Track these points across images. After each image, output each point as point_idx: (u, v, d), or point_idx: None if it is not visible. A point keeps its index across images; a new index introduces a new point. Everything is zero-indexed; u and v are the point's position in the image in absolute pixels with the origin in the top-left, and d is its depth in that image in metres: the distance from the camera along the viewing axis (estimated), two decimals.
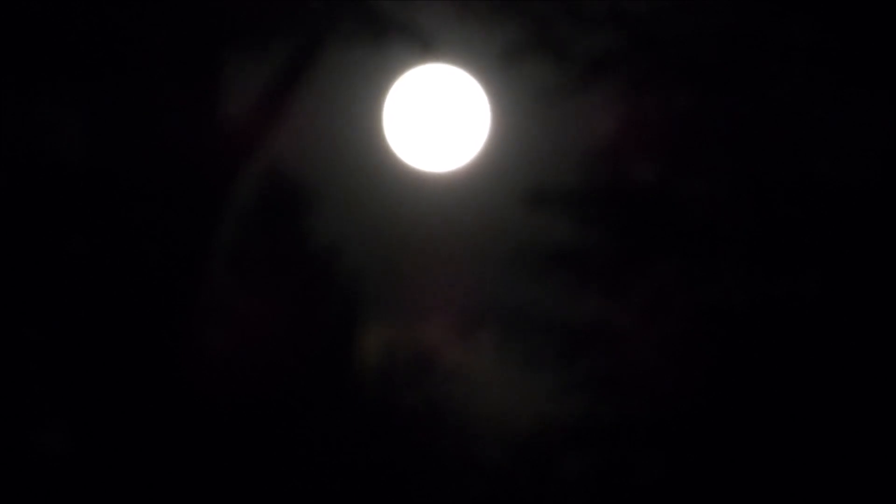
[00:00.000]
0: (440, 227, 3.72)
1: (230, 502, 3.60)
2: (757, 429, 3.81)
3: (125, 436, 3.78)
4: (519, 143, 3.67)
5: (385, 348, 3.80)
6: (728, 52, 4.11)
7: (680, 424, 3.79)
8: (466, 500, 3.69)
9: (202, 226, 4.13)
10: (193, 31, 4.01)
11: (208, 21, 4.05)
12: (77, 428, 3.92)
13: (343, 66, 4.03)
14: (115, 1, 3.80)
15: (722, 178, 4.10)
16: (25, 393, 3.84)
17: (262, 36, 4.18)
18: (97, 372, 3.85)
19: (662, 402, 3.85)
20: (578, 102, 3.99)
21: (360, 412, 3.60)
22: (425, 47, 3.87)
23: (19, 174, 3.90)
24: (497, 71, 3.92)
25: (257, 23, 4.13)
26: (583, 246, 3.99)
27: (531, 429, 3.83)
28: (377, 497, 3.43)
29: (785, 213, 4.03)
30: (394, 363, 3.76)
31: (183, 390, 3.85)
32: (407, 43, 3.90)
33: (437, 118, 4.02)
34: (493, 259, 3.85)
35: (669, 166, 4.06)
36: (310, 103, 4.01)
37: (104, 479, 3.77)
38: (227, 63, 4.17)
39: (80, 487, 3.79)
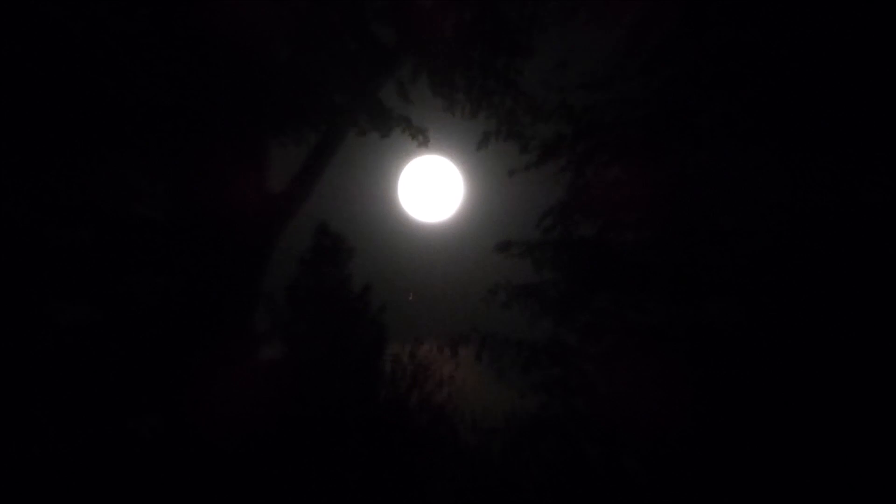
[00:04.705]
0: (435, 266, 5.19)
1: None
2: (671, 417, 4.91)
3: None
4: (485, 205, 5.13)
5: (396, 360, 5.02)
6: (651, 132, 5.29)
7: (613, 418, 4.90)
8: (454, 467, 4.82)
9: (252, 268, 5.32)
10: (248, 119, 5.25)
11: (260, 111, 5.30)
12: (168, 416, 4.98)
13: (369, 153, 5.55)
14: (188, 95, 5.02)
15: (646, 229, 5.28)
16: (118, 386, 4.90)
17: (297, 123, 5.45)
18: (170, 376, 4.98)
19: (601, 400, 4.98)
20: (533, 175, 5.24)
21: (379, 404, 4.76)
22: (423, 142, 5.18)
23: (110, 225, 5.09)
24: (471, 155, 5.35)
25: (292, 113, 5.40)
26: (540, 282, 5.20)
27: (501, 419, 4.99)
28: (389, 464, 4.53)
29: (696, 255, 5.19)
30: (402, 371, 4.96)
31: (234, 393, 4.98)
32: (412, 137, 5.26)
33: (431, 188, 5.57)
34: (473, 292, 5.10)
35: (605, 222, 5.24)
36: (347, 178, 5.50)
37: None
38: (272, 143, 5.44)
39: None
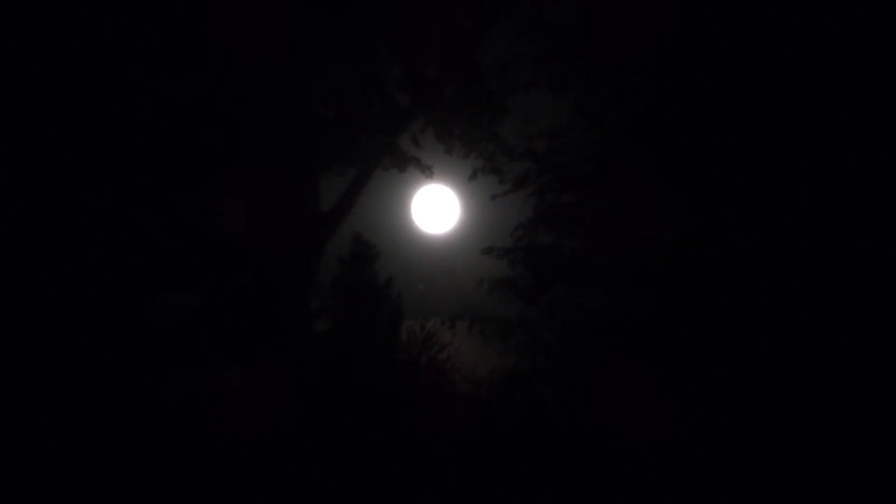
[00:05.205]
0: (439, 264, 7.29)
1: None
2: (613, 382, 6.93)
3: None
4: (474, 221, 7.25)
5: (410, 332, 7.08)
6: (593, 169, 7.28)
7: (565, 372, 6.90)
8: (452, 409, 6.84)
9: (305, 270, 7.23)
10: (302, 157, 7.15)
11: (310, 152, 7.22)
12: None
13: (391, 184, 7.60)
14: (265, 144, 6.89)
15: (588, 239, 7.30)
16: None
17: (339, 162, 7.41)
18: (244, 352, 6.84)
19: (556, 359, 6.99)
20: (509, 199, 7.27)
21: (397, 364, 6.78)
22: (430, 176, 7.22)
23: (206, 236, 6.93)
24: (464, 185, 7.44)
25: (336, 154, 7.35)
26: (513, 276, 7.23)
27: (486, 374, 7.05)
28: (406, 403, 6.51)
29: (622, 259, 7.20)
30: (415, 339, 7.00)
31: (297, 353, 6.87)
32: (422, 172, 7.30)
33: (435, 208, 7.60)
34: (465, 283, 7.18)
35: (560, 233, 7.26)
36: (374, 201, 7.54)
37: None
38: (322, 177, 7.39)
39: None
